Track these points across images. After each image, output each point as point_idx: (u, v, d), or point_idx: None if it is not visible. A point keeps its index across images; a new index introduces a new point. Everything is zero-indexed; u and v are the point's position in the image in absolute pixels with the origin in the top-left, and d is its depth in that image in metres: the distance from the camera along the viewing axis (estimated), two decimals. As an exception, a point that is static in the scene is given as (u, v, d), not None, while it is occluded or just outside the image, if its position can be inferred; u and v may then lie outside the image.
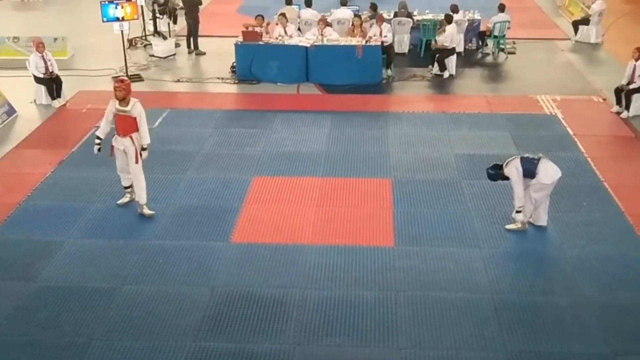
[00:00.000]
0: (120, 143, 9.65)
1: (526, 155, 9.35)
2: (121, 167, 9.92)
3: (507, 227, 9.48)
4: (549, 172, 9.19)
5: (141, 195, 9.84)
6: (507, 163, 9.22)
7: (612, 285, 8.32)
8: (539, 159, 9.20)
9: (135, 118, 9.50)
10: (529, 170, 9.11)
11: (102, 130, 9.78)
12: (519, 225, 9.41)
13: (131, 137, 9.57)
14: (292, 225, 9.61)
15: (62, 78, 14.20)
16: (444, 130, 12.80)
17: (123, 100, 9.49)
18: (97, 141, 9.76)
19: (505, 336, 7.49)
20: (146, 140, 9.65)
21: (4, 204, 10.20)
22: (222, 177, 11.02)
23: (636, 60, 13.16)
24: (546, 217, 9.50)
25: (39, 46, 14.00)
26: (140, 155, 9.65)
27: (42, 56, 13.94)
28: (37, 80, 13.98)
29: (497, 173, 9.34)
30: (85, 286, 8.33)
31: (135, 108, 9.50)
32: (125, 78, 9.80)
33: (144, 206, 9.87)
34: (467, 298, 8.10)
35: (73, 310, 7.90)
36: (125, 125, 9.54)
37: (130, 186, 10.02)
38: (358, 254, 8.97)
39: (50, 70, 13.97)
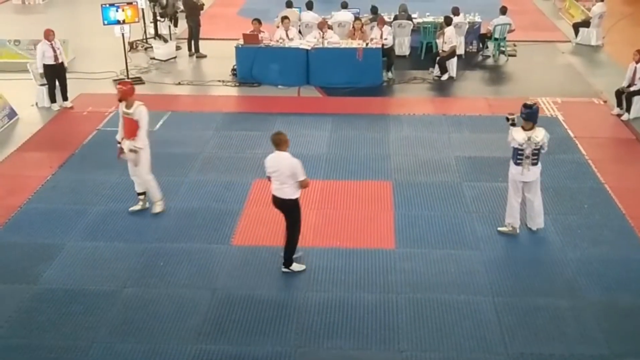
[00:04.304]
0: (126, 146, 9.65)
1: None
2: (132, 171, 9.89)
3: (500, 229, 9.49)
4: None
5: (151, 194, 9.92)
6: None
7: (613, 288, 8.32)
8: None
9: (137, 121, 9.52)
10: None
11: (119, 133, 9.81)
12: (509, 229, 9.42)
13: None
14: (293, 227, 9.62)
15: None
16: (444, 133, 12.81)
17: (128, 103, 9.53)
18: (118, 145, 9.79)
19: (507, 338, 7.48)
20: (138, 142, 9.55)
21: (5, 206, 10.21)
22: (223, 180, 11.03)
23: (637, 62, 13.17)
24: (541, 219, 9.49)
25: (49, 34, 13.82)
26: (124, 152, 9.64)
27: (51, 44, 13.80)
28: (45, 71, 13.81)
29: (533, 112, 8.89)
30: (87, 289, 8.34)
31: (137, 111, 9.52)
32: (127, 80, 9.82)
33: (155, 203, 9.94)
34: (468, 300, 8.10)
35: (74, 313, 7.90)
36: (130, 127, 9.57)
37: (144, 193, 10.01)
38: (359, 256, 8.97)
39: (60, 60, 13.93)
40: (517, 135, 8.90)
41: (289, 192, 8.35)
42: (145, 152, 9.68)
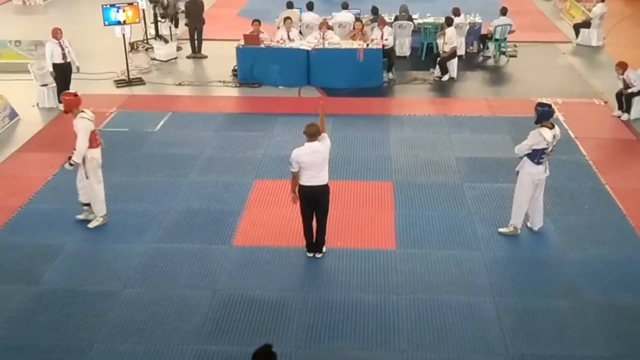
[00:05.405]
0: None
1: None
2: (79, 178, 9.56)
3: (500, 230, 9.48)
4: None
5: (96, 208, 9.61)
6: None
7: (614, 288, 8.32)
8: None
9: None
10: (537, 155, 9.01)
11: None
12: (511, 230, 9.41)
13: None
14: (294, 228, 9.59)
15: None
16: (445, 134, 12.81)
17: (74, 115, 9.25)
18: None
19: (507, 339, 7.48)
20: (75, 157, 9.20)
21: (6, 207, 10.21)
22: (223, 180, 11.03)
23: (621, 74, 13.28)
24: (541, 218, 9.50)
25: (57, 32, 13.84)
26: (64, 164, 9.34)
27: (59, 43, 13.84)
28: (54, 70, 13.78)
29: (546, 112, 9.01)
30: (87, 289, 8.34)
31: (76, 123, 9.21)
32: (71, 92, 9.63)
33: (97, 218, 9.64)
34: (468, 301, 8.10)
35: (74, 314, 7.91)
36: (74, 139, 9.27)
37: (88, 204, 9.68)
38: (360, 256, 8.97)
39: (69, 60, 13.92)
40: (547, 135, 8.88)
41: (327, 176, 8.54)
42: (89, 164, 9.32)
